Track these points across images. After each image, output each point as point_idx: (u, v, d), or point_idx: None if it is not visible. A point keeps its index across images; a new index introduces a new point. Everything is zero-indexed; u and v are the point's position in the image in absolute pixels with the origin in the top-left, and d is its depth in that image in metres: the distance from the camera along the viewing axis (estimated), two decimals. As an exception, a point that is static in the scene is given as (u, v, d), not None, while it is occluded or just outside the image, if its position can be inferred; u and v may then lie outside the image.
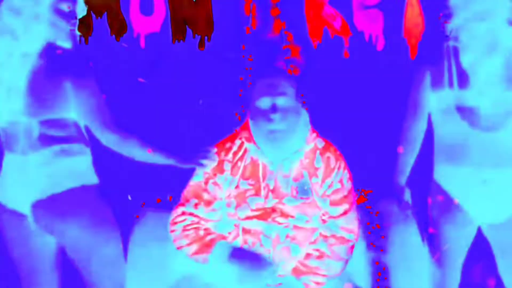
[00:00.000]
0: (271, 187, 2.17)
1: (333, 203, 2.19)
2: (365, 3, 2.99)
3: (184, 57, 2.96)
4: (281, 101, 2.13)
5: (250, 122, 2.23)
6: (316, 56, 3.02)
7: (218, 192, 2.19)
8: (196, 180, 2.23)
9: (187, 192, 2.23)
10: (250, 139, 2.22)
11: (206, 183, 2.20)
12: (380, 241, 2.45)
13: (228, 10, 2.98)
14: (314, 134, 2.26)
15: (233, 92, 2.92)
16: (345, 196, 2.20)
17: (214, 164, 2.20)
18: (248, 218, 2.16)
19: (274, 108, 2.11)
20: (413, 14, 2.98)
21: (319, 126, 2.32)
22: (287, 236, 2.16)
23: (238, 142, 2.24)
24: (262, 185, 2.17)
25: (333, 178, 2.19)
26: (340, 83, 3.02)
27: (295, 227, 2.16)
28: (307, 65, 3.01)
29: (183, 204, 2.21)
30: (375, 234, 2.46)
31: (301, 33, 3.01)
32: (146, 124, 2.69)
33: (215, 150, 2.23)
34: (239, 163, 2.20)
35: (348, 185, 2.23)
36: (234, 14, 2.97)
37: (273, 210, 2.16)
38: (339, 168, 2.20)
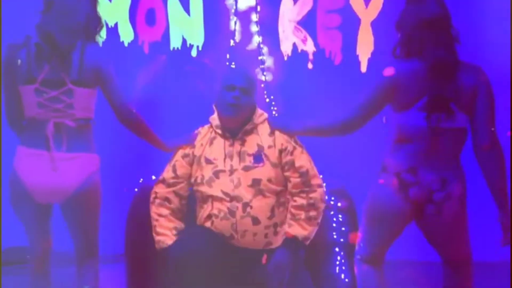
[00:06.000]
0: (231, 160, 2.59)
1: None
2: (327, 25, 3.65)
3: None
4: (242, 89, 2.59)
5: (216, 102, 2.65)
6: (285, 66, 3.75)
7: (187, 171, 2.65)
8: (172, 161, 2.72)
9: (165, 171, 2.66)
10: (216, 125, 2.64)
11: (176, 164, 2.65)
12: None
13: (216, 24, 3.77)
14: (264, 114, 2.68)
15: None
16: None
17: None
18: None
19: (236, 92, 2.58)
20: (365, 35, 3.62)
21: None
22: (248, 208, 2.54)
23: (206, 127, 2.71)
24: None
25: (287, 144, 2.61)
26: (304, 89, 3.77)
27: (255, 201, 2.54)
28: (278, 72, 3.75)
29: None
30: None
31: (275, 47, 3.75)
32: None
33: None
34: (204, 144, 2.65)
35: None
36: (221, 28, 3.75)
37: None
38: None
